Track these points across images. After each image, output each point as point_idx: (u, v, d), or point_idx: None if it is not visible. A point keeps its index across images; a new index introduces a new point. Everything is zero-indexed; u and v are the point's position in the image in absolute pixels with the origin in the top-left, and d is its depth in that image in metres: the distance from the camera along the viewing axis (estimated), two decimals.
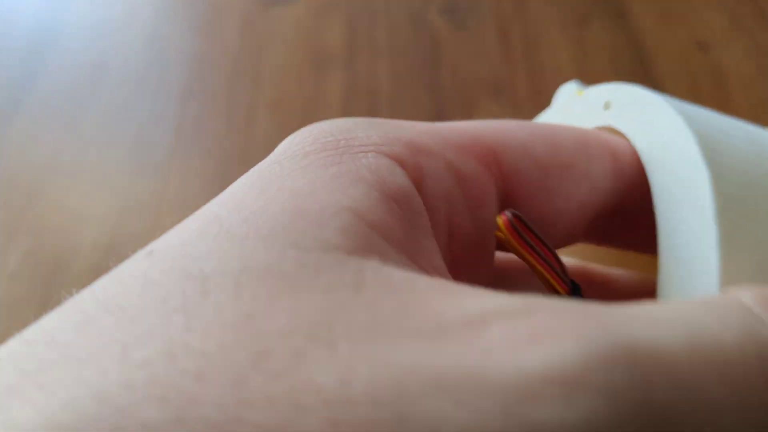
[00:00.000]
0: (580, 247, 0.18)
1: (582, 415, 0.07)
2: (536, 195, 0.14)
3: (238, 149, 0.36)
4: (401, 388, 0.07)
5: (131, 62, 0.42)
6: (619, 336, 0.08)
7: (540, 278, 0.13)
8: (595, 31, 0.38)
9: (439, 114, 0.36)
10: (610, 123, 0.15)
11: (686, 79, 0.34)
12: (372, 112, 0.37)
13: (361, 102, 0.37)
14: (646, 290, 0.15)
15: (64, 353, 0.08)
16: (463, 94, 0.37)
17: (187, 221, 0.11)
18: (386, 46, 0.40)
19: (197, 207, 0.11)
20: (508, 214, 0.13)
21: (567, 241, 0.15)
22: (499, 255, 0.15)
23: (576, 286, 0.14)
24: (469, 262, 0.13)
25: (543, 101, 0.34)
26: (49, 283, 0.32)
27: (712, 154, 0.13)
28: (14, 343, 0.09)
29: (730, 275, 0.11)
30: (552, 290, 0.13)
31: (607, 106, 0.15)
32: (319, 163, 0.11)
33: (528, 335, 0.08)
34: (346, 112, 0.37)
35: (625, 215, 0.15)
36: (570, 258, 0.18)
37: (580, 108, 0.16)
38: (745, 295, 0.10)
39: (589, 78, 0.35)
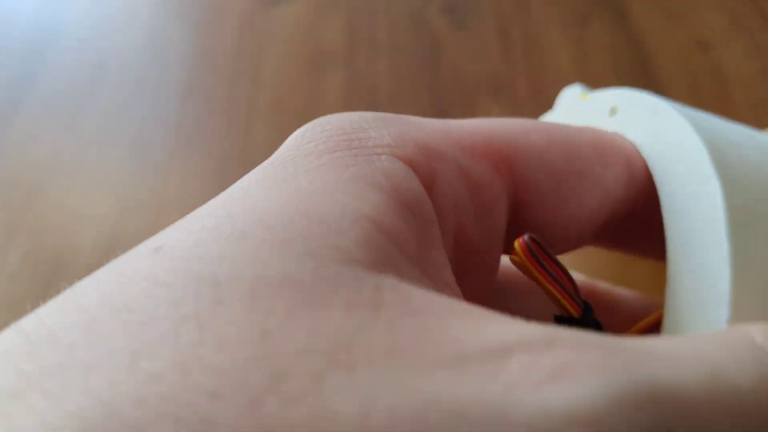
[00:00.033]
0: (585, 251, 0.18)
1: None
2: (548, 201, 0.13)
3: (238, 149, 0.36)
4: (422, 422, 0.07)
5: (131, 62, 0.42)
6: (642, 376, 0.08)
7: (552, 299, 0.13)
8: (595, 30, 0.38)
9: (439, 114, 0.36)
10: (616, 129, 0.15)
11: (686, 79, 0.34)
12: (372, 111, 0.37)
13: (361, 102, 0.37)
14: (651, 313, 0.15)
15: (69, 357, 0.08)
16: (463, 93, 0.37)
17: (194, 217, 0.10)
18: (386, 46, 0.40)
19: (197, 207, 0.11)
20: (525, 238, 0.13)
21: (576, 245, 0.15)
22: (504, 265, 0.15)
23: (588, 307, 0.14)
24: (473, 270, 0.13)
25: (543, 101, 0.34)
26: (49, 283, 0.32)
27: (723, 164, 0.12)
28: (13, 337, 0.08)
29: (741, 289, 0.11)
30: (563, 310, 0.13)
31: (613, 111, 0.15)
32: (334, 164, 0.11)
33: (551, 371, 0.08)
34: (346, 111, 0.37)
35: (635, 220, 0.15)
36: (577, 274, 0.17)
37: (584, 112, 0.16)
38: (756, 333, 0.10)
39: (590, 77, 0.35)
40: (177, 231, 0.10)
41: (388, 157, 0.11)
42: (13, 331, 0.08)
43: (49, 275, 0.32)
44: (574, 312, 0.13)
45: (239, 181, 0.11)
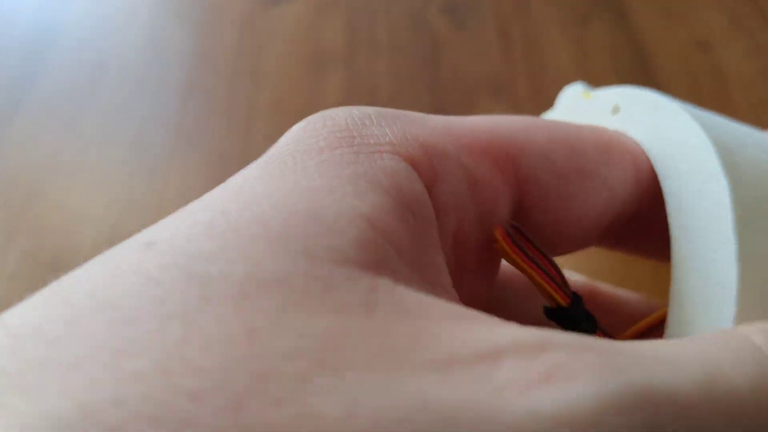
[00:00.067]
0: (586, 251, 0.18)
1: None
2: (552, 202, 0.13)
3: (238, 149, 0.36)
4: (408, 424, 0.07)
5: (131, 62, 0.42)
6: (636, 379, 0.08)
7: (540, 290, 0.13)
8: (595, 30, 0.38)
9: (439, 113, 0.36)
10: (618, 127, 0.15)
11: (686, 79, 0.34)
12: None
13: (361, 102, 0.37)
14: (651, 317, 0.15)
15: (51, 353, 0.07)
16: (463, 93, 0.37)
17: (189, 211, 0.10)
18: (386, 46, 0.40)
19: None
20: (505, 225, 0.13)
21: (580, 246, 0.15)
22: (505, 267, 0.15)
23: (577, 297, 0.13)
24: (474, 269, 0.13)
25: (543, 101, 0.34)
26: (49, 283, 0.32)
27: (729, 163, 0.12)
28: None
29: (747, 287, 0.11)
30: (552, 302, 0.13)
31: (615, 110, 0.15)
32: (335, 161, 0.10)
33: (541, 374, 0.08)
34: None
35: (639, 220, 0.15)
36: (578, 276, 0.17)
37: (586, 111, 0.16)
38: (755, 335, 0.10)
39: (590, 77, 0.35)
40: (170, 225, 0.10)
41: (389, 156, 0.11)
42: None
43: (49, 275, 0.32)
44: (563, 302, 0.13)
45: (237, 175, 0.11)
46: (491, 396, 0.07)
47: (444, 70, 0.38)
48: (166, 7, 0.46)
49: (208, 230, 0.09)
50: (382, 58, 0.39)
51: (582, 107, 0.16)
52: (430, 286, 0.10)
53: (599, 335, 0.13)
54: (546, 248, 0.13)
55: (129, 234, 0.10)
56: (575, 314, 0.13)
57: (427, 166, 0.11)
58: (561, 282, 0.13)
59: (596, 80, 0.34)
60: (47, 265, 0.33)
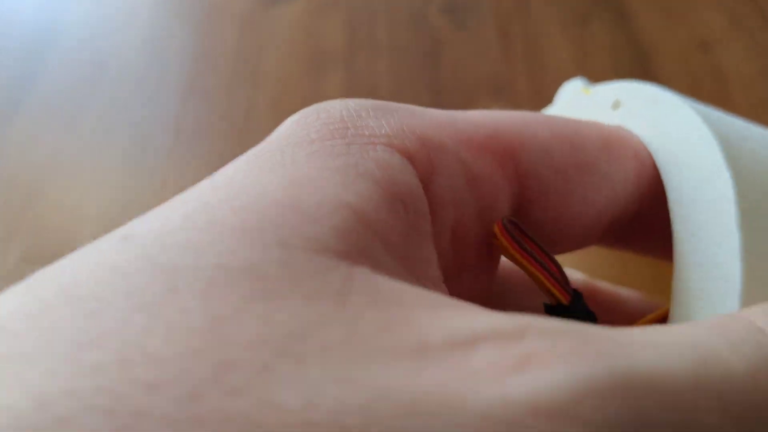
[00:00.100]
0: (586, 249, 0.18)
1: None
2: (553, 198, 0.13)
3: (237, 149, 0.36)
4: (370, 414, 0.07)
5: (131, 62, 0.42)
6: (617, 364, 0.08)
7: (539, 286, 0.13)
8: (595, 30, 0.38)
9: None
10: (619, 122, 0.15)
11: (686, 79, 0.34)
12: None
13: None
14: (652, 313, 0.15)
15: (12, 346, 0.07)
16: (463, 93, 0.37)
17: (170, 203, 0.10)
18: (386, 46, 0.40)
19: None
20: (504, 220, 0.12)
21: (581, 244, 0.14)
22: (506, 263, 0.15)
23: (578, 294, 0.13)
24: (472, 264, 0.13)
25: (543, 101, 0.34)
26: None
27: (732, 156, 0.12)
28: None
29: (751, 281, 0.11)
30: (552, 299, 0.13)
31: (616, 105, 0.15)
32: (325, 153, 0.10)
33: (517, 360, 0.07)
34: None
35: (641, 219, 0.14)
36: (578, 273, 0.17)
37: (586, 106, 0.16)
38: (759, 317, 0.09)
39: (590, 77, 0.35)
40: (151, 218, 0.09)
41: (383, 148, 0.11)
42: None
43: None
44: (563, 299, 0.13)
45: (225, 168, 0.11)
46: (462, 383, 0.07)
47: (444, 69, 0.38)
48: (165, 7, 0.46)
49: (184, 222, 0.09)
50: (382, 58, 0.39)
51: (582, 102, 0.16)
52: (416, 279, 0.10)
53: None
54: (546, 245, 0.13)
55: None
56: (576, 311, 0.13)
57: (424, 160, 0.11)
58: (561, 279, 0.13)
59: (596, 80, 0.34)
60: (47, 264, 0.33)
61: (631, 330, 0.09)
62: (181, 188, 0.10)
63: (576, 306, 0.13)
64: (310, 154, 0.10)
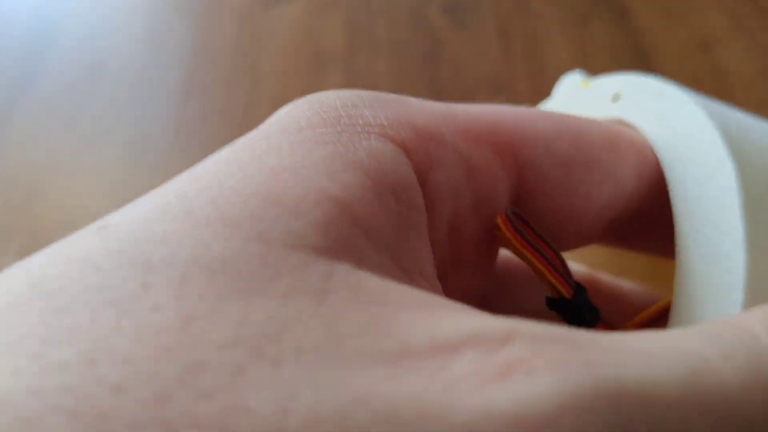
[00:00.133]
0: (586, 248, 0.18)
1: None
2: (554, 192, 0.13)
3: None
4: (346, 423, 0.06)
5: (130, 61, 0.42)
6: (605, 373, 0.07)
7: (541, 279, 0.13)
8: (595, 30, 0.38)
9: None
10: (619, 115, 0.14)
11: (686, 79, 0.34)
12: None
13: None
14: (654, 305, 0.15)
15: None
16: (463, 93, 0.37)
17: (149, 195, 0.09)
18: (386, 45, 0.40)
19: None
20: (507, 211, 0.12)
21: (582, 242, 0.14)
22: (506, 256, 0.15)
23: (581, 288, 0.13)
24: (470, 258, 0.12)
25: (543, 100, 0.34)
26: None
27: (735, 149, 0.12)
28: None
29: (755, 273, 0.11)
30: (555, 292, 0.13)
31: (616, 98, 0.15)
32: (312, 140, 0.10)
33: (500, 368, 0.07)
34: None
35: (642, 217, 0.14)
36: (579, 266, 0.17)
37: (585, 99, 0.16)
38: (758, 323, 0.09)
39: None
40: (130, 209, 0.09)
41: (377, 137, 0.10)
42: None
43: None
44: (565, 292, 0.13)
45: (208, 158, 0.10)
46: (442, 392, 0.07)
47: (444, 69, 0.38)
48: (165, 7, 0.45)
49: (161, 214, 0.09)
50: (382, 58, 0.39)
51: (581, 95, 0.16)
52: (405, 274, 0.10)
53: (601, 327, 0.13)
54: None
55: None
56: (578, 305, 0.13)
57: (420, 152, 0.11)
58: (564, 272, 0.13)
59: None
60: None
61: (623, 335, 0.08)
62: None
63: (578, 300, 0.13)
64: (296, 142, 0.10)
